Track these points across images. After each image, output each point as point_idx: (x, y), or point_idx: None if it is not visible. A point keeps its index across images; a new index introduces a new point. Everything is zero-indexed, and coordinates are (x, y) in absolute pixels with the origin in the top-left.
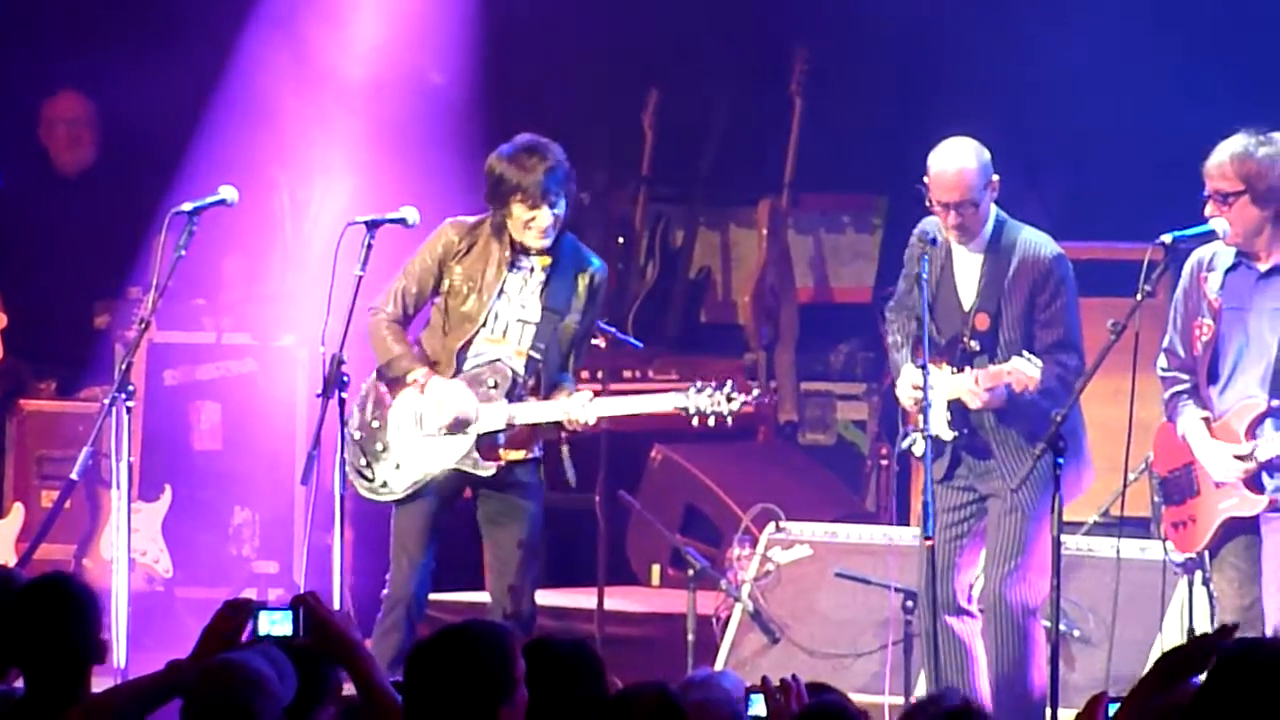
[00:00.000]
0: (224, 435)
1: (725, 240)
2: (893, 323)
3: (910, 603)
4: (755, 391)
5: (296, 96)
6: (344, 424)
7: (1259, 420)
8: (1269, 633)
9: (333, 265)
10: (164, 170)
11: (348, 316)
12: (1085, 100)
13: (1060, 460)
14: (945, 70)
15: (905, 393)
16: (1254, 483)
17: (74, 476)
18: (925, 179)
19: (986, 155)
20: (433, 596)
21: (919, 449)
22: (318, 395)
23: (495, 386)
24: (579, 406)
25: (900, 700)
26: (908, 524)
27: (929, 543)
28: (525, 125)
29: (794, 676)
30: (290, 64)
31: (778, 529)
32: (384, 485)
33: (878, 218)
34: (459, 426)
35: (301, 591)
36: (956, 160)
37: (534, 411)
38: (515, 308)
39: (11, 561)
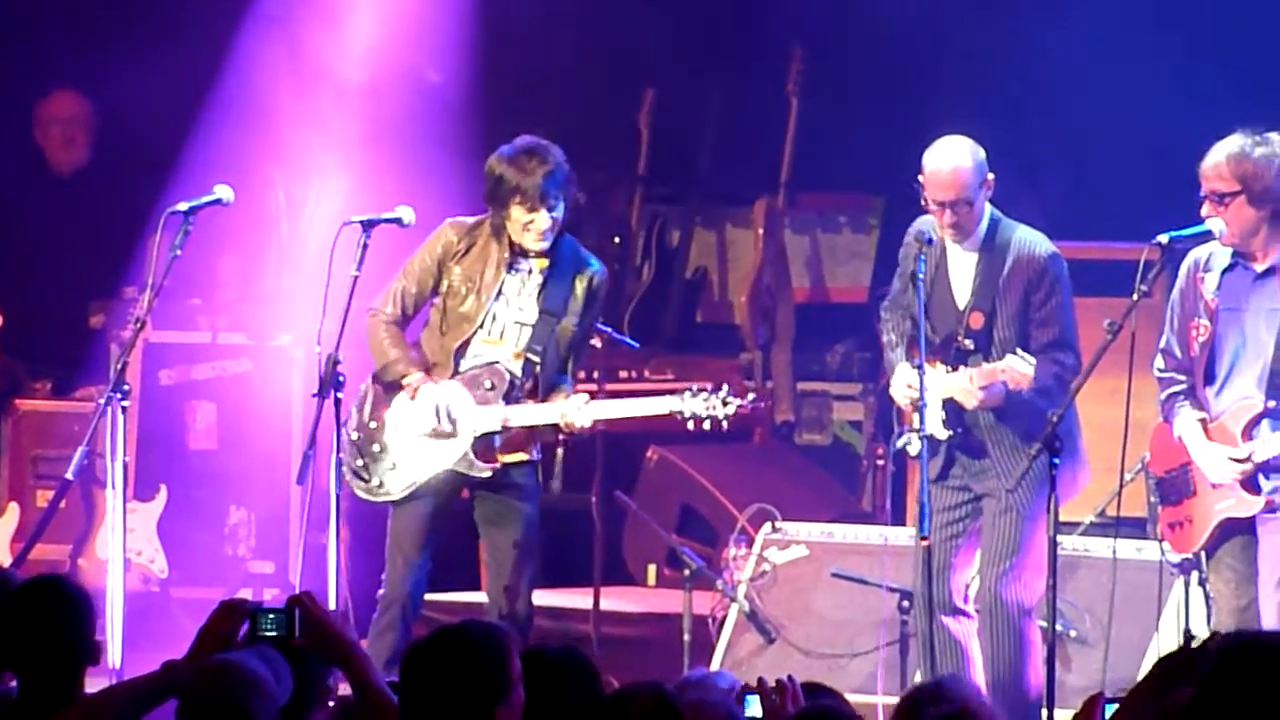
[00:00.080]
0: (219, 435)
1: (721, 240)
2: (887, 322)
3: (906, 603)
4: (751, 395)
5: (292, 96)
6: (340, 424)
7: (1255, 421)
8: None
9: (328, 265)
10: (159, 170)
11: (343, 316)
12: (1083, 100)
13: (1056, 460)
14: (942, 70)
15: (900, 392)
16: (1250, 484)
17: (69, 476)
18: (920, 177)
19: (981, 154)
20: (429, 597)
21: (914, 448)
22: (313, 395)
23: (492, 388)
24: (575, 409)
25: (895, 701)
26: (904, 524)
27: (925, 543)
28: (521, 125)
29: (790, 677)
30: (286, 63)
31: (774, 529)
32: (380, 486)
33: (874, 218)
34: (449, 429)
35: (297, 592)
36: (951, 159)
37: (529, 414)
38: (513, 310)
39: (6, 562)
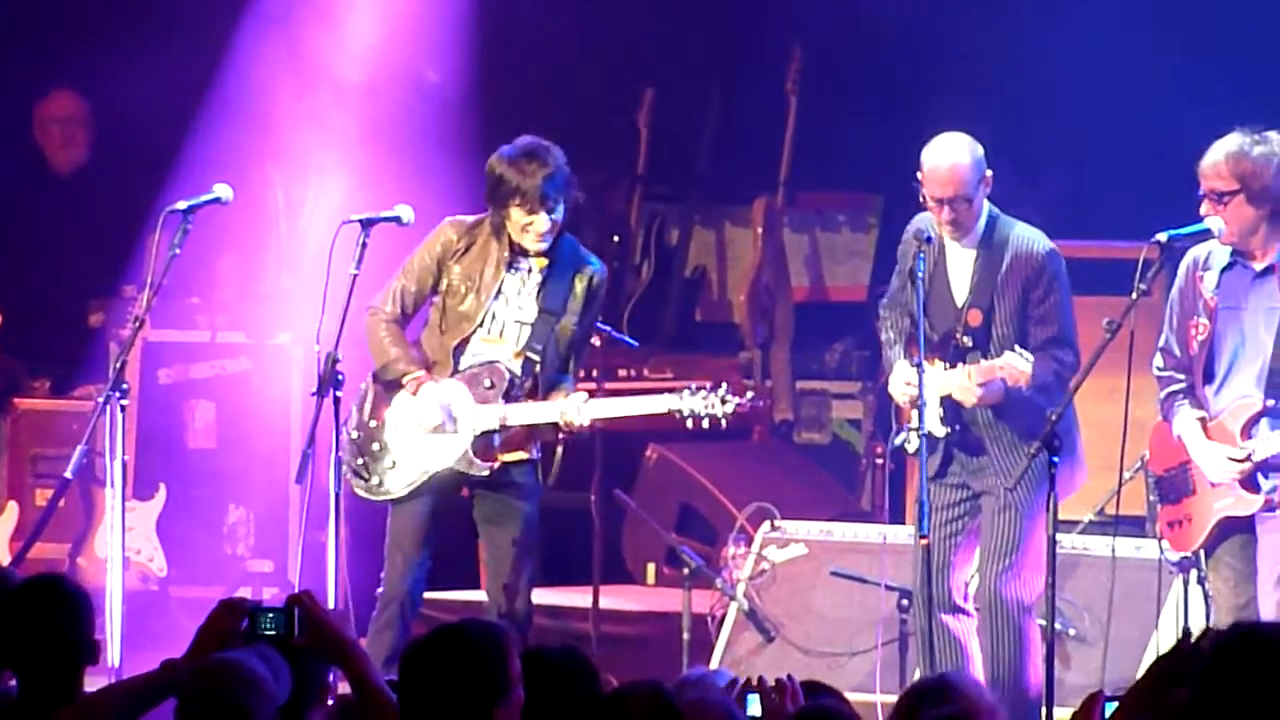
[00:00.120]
0: (218, 434)
1: (720, 239)
2: (886, 319)
3: (905, 601)
4: (750, 394)
5: (291, 95)
6: (339, 423)
7: (1254, 420)
8: None
9: (327, 264)
10: (158, 169)
11: (343, 315)
12: (1083, 100)
13: (1055, 459)
14: (941, 69)
15: (899, 389)
16: (1250, 482)
17: (68, 475)
18: (919, 174)
19: (980, 151)
20: (429, 595)
21: (912, 446)
22: (313, 394)
23: (492, 387)
24: (573, 408)
25: (895, 700)
26: (903, 522)
27: (924, 541)
28: (520, 124)
29: (789, 676)
30: (285, 63)
31: (773, 528)
32: (380, 485)
33: (873, 216)
34: (450, 427)
35: (296, 590)
36: (950, 155)
37: (528, 412)
38: (513, 308)
39: (6, 560)
